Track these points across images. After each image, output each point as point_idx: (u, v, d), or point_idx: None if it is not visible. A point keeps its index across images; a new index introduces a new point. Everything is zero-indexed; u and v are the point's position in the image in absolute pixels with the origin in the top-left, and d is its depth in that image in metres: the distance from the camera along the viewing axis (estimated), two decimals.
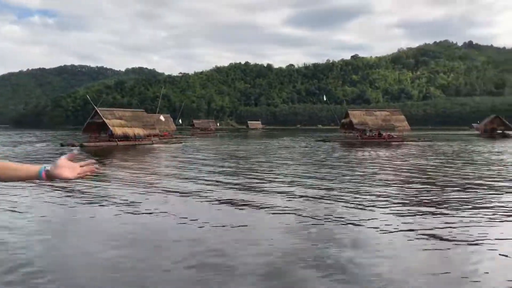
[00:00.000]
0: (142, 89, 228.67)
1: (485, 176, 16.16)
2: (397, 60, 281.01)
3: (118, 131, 38.72)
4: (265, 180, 15.02)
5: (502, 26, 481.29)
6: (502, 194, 12.14)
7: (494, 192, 12.34)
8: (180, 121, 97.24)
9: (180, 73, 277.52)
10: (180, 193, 12.08)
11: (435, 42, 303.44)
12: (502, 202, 10.74)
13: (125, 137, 39.16)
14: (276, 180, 15.11)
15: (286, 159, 24.25)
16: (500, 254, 6.51)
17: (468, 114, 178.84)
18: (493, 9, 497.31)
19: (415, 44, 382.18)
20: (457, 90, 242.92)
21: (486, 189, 12.99)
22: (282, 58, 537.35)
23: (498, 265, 6.27)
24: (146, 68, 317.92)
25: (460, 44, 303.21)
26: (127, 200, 10.87)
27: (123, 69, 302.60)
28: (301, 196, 11.48)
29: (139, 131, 40.76)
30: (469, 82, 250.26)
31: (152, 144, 41.02)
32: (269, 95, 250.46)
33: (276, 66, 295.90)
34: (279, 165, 20.41)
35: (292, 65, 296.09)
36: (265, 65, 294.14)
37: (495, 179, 15.37)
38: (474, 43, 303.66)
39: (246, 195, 11.84)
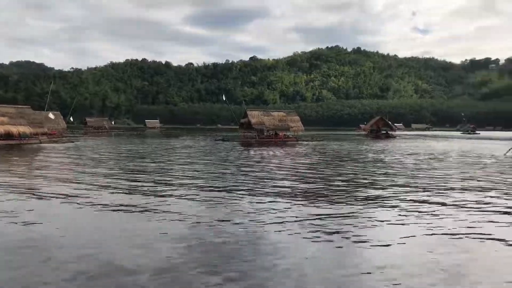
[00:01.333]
0: (28, 84, 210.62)
1: (368, 173, 17.39)
2: (292, 63, 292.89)
3: (0, 129, 35.36)
4: (161, 182, 14.62)
5: (387, 35, 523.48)
6: (380, 188, 13.12)
7: (376, 187, 13.30)
8: (71, 119, 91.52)
9: (72, 68, 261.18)
10: (67, 197, 11.21)
11: (327, 47, 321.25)
12: (380, 194, 11.61)
13: (8, 136, 35.85)
14: (174, 182, 14.76)
15: (185, 158, 23.89)
16: (382, 245, 7.00)
17: (356, 115, 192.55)
18: (380, 18, 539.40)
19: (309, 48, 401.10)
20: (346, 93, 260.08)
21: (368, 184, 13.97)
22: (181, 57, 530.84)
23: (377, 251, 6.80)
24: (34, 62, 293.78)
25: (349, 49, 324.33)
26: (5, 209, 9.85)
27: (6, 62, 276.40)
28: (200, 197, 11.33)
29: (24, 129, 37.51)
30: (357, 85, 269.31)
31: (40, 143, 38.03)
32: (167, 93, 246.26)
33: (175, 64, 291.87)
34: (176, 166, 20.02)
35: (191, 63, 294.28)
36: (164, 62, 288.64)
37: (376, 174, 16.61)
38: (362, 49, 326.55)
39: (140, 198, 11.39)
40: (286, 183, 14.41)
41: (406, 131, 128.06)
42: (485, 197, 11.82)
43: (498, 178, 16.29)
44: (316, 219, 8.84)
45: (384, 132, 73.79)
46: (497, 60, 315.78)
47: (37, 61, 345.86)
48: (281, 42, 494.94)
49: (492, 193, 12.48)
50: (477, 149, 36.36)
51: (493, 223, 8.69)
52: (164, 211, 9.55)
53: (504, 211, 9.85)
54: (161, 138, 57.82)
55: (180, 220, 8.73)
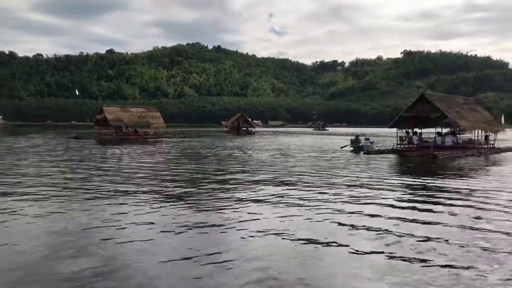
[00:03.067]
0: None
1: (226, 169, 17.36)
2: (153, 58, 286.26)
3: None
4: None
5: (246, 35, 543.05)
6: (244, 184, 13.08)
7: (237, 183, 13.22)
8: None
9: None
10: None
11: (188, 44, 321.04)
12: (246, 191, 11.52)
13: None
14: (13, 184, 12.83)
15: (32, 157, 21.24)
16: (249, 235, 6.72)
17: (218, 112, 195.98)
18: (239, 18, 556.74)
19: (170, 44, 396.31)
20: (208, 90, 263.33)
21: (232, 180, 13.85)
22: (28, 47, 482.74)
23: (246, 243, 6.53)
24: None
25: (210, 47, 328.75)
26: None
27: None
28: (45, 196, 9.91)
29: None
30: (218, 83, 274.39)
31: None
32: (12, 86, 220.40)
33: (21, 54, 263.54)
34: (24, 168, 17.63)
35: (40, 54, 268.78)
36: (7, 52, 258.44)
37: (237, 170, 16.66)
38: (222, 47, 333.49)
39: None
40: (141, 183, 13.54)
41: (264, 127, 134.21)
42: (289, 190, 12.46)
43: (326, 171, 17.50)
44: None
45: (245, 128, 76.02)
46: (342, 63, 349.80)
47: None
48: (140, 36, 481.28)
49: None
50: (324, 144, 39.26)
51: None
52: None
53: (298, 203, 10.40)
54: (6, 136, 51.33)
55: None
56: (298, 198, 10.78)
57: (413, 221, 8.33)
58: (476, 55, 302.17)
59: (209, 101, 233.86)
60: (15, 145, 32.98)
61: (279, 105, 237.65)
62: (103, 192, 11.52)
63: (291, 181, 14.12)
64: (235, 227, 7.78)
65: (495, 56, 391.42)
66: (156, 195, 11.16)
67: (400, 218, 8.49)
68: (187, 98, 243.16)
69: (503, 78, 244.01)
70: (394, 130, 29.65)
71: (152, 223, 8.05)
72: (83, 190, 11.92)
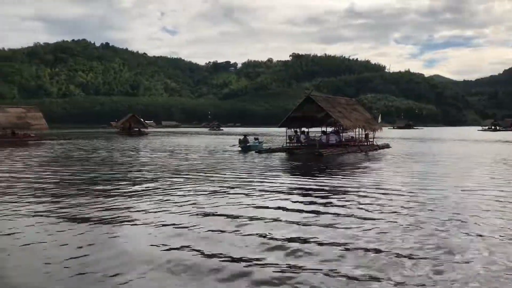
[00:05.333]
0: None
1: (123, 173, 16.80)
2: (34, 54, 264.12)
3: None
4: None
5: (136, 32, 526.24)
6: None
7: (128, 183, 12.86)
8: None
9: None
10: None
11: (73, 40, 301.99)
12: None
13: None
14: None
15: None
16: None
17: (107, 112, 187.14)
18: (129, 15, 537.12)
19: (53, 39, 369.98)
20: (96, 89, 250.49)
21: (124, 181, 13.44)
22: None
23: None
24: None
25: (98, 44, 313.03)
26: None
27: None
28: None
29: None
30: (107, 82, 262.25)
31: None
32: None
33: None
34: None
35: None
36: None
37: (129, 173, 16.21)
38: (110, 44, 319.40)
39: None
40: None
41: (158, 128, 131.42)
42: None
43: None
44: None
45: (137, 129, 73.80)
46: (235, 64, 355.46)
47: None
48: (18, 30, 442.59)
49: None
50: (217, 144, 39.68)
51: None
52: None
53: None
54: None
55: None
56: (171, 198, 10.82)
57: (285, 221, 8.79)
58: (357, 59, 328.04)
59: (97, 100, 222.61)
60: None
61: (173, 105, 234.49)
62: None
63: (178, 182, 14.09)
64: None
65: (373, 60, 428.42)
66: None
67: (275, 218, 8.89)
68: (73, 97, 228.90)
69: (381, 81, 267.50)
70: (284, 129, 30.96)
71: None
72: None
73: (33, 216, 8.83)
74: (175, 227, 7.84)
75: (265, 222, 8.28)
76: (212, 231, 7.55)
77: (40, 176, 15.79)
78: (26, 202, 10.33)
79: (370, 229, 7.61)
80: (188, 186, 13.00)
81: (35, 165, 19.75)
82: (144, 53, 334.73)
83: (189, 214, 8.93)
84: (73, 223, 8.18)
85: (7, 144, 36.78)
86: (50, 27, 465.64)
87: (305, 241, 6.92)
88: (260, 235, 7.21)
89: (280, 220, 8.35)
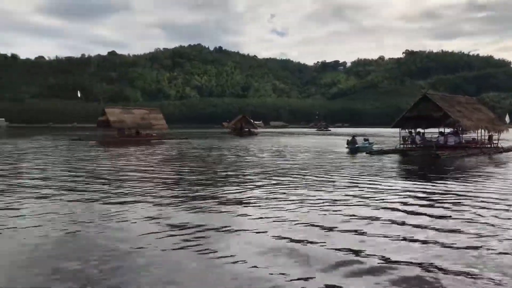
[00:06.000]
0: None
1: (231, 170, 17.40)
2: (155, 60, 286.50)
3: None
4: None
5: (248, 36, 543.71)
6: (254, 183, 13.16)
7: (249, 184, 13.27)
8: None
9: None
10: None
11: (190, 45, 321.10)
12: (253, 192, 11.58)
13: None
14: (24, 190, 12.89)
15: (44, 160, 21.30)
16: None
17: (220, 113, 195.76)
18: (242, 19, 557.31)
19: (172, 45, 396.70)
20: (210, 92, 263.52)
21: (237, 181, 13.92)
22: (31, 49, 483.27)
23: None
24: None
25: (211, 48, 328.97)
26: None
27: None
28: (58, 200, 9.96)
29: None
30: (220, 84, 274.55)
31: None
32: (14, 89, 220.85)
33: (23, 57, 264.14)
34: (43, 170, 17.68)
35: (42, 57, 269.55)
36: (10, 54, 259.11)
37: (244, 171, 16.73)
38: (223, 48, 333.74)
39: None
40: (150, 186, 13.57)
41: (266, 128, 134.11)
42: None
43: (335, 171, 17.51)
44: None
45: (247, 130, 76.07)
46: (344, 63, 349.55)
47: None
48: (142, 37, 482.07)
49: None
50: (327, 144, 39.22)
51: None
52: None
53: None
54: (12, 138, 51.44)
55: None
56: (288, 199, 10.83)
57: (410, 224, 8.35)
58: (478, 54, 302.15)
59: (210, 102, 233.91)
60: (20, 147, 33.10)
61: (281, 106, 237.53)
62: (105, 194, 11.58)
63: (284, 181, 14.18)
64: (232, 228, 7.83)
65: (497, 56, 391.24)
66: (153, 197, 11.19)
67: (394, 220, 8.50)
68: (189, 99, 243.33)
69: (505, 77, 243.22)
70: (397, 130, 29.63)
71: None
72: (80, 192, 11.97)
73: (154, 205, 9.54)
74: (287, 221, 7.94)
75: (381, 223, 8.06)
76: (324, 228, 7.48)
77: (162, 171, 16.98)
78: (151, 195, 11.16)
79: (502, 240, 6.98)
80: (297, 187, 13.03)
81: (158, 162, 21.29)
82: (255, 56, 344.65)
83: (302, 214, 8.94)
84: (194, 213, 8.65)
85: (133, 143, 40.27)
86: (170, 33, 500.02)
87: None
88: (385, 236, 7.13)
89: (397, 223, 8.12)
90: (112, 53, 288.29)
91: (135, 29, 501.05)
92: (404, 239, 7.05)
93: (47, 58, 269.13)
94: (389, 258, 6.07)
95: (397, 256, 6.16)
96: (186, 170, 17.74)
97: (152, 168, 18.27)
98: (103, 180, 14.42)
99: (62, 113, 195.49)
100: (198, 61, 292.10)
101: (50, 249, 6.62)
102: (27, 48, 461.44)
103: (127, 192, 11.84)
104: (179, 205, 9.93)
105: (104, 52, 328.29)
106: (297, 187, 12.79)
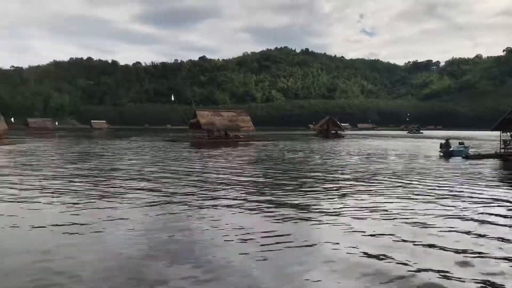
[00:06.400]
0: None
1: (323, 170, 17.39)
2: (242, 63, 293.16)
3: None
4: (116, 186, 13.88)
5: (335, 37, 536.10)
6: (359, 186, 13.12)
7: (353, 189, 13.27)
8: (12, 119, 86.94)
9: (12, 66, 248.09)
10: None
11: (276, 48, 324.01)
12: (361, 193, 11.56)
13: None
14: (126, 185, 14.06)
15: (138, 159, 23.01)
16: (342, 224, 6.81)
17: (306, 115, 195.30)
18: (328, 20, 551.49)
19: (258, 48, 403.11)
20: (296, 93, 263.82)
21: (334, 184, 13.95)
22: (129, 55, 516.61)
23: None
24: None
25: (298, 51, 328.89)
26: None
27: None
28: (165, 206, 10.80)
29: None
30: (305, 86, 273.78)
31: None
32: (115, 93, 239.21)
33: (122, 63, 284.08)
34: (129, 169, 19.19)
35: (139, 63, 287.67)
36: (110, 61, 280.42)
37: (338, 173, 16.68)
38: (310, 50, 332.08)
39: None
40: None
41: (353, 130, 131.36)
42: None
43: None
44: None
45: (334, 132, 75.26)
46: (437, 62, 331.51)
47: None
48: (231, 42, 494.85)
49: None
50: (420, 148, 37.59)
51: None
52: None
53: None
54: (111, 139, 55.80)
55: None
56: (379, 209, 10.58)
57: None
58: None
59: (297, 104, 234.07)
60: (124, 146, 35.80)
61: (369, 107, 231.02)
62: (203, 196, 12.19)
63: (374, 189, 13.89)
64: (323, 241, 7.83)
65: None
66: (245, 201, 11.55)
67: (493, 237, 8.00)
68: (275, 101, 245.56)
69: None
70: (497, 133, 27.68)
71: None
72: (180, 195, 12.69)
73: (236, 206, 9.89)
74: (376, 235, 7.83)
75: (471, 237, 7.67)
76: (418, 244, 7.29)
77: (250, 174, 17.47)
78: (239, 194, 11.58)
79: None
80: (387, 195, 12.73)
81: (245, 164, 21.89)
82: (342, 57, 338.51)
83: (392, 223, 8.78)
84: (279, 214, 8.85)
85: (222, 144, 41.70)
86: (257, 37, 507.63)
87: None
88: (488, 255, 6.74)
89: (502, 239, 7.58)
90: (202, 58, 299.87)
91: (224, 34, 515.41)
92: (506, 259, 6.46)
93: (143, 64, 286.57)
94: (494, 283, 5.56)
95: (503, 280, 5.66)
96: (273, 173, 18.05)
97: (239, 171, 18.82)
98: (195, 181, 15.12)
99: (157, 116, 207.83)
100: (285, 63, 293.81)
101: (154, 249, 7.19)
102: (126, 55, 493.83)
103: (217, 195, 12.14)
104: (267, 213, 9.99)
105: (195, 57, 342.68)
106: (388, 195, 12.47)
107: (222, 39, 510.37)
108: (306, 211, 9.82)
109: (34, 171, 17.78)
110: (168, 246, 7.11)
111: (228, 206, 10.48)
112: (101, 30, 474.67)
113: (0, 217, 9.18)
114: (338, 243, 7.23)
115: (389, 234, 7.73)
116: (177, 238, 7.57)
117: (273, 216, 9.29)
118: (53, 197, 11.55)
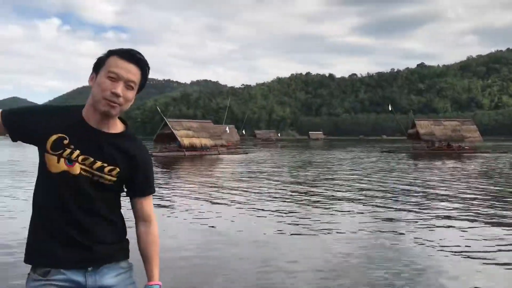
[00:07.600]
0: (206, 101, 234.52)
1: None
2: (466, 68, 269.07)
3: (186, 141, 39.89)
4: (340, 190, 14.97)
5: None
6: None
7: None
8: (243, 131, 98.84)
9: (243, 84, 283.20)
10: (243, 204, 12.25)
11: (508, 49, 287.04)
12: None
13: (192, 147, 40.24)
14: (345, 196, 15.00)
15: (355, 169, 23.94)
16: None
17: None
18: None
19: (486, 51, 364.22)
20: None
21: None
22: (344, 68, 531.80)
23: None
24: (210, 81, 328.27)
25: None
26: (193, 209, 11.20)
27: (188, 82, 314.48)
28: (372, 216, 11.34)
29: (205, 141, 41.76)
30: None
31: (219, 154, 41.72)
32: (330, 105, 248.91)
33: (338, 76, 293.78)
34: (350, 176, 20.20)
35: (354, 74, 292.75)
36: (327, 75, 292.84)
37: None
38: None
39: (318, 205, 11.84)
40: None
41: None
42: None
43: None
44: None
45: None
46: None
47: (213, 79, 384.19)
48: (452, 46, 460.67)
49: None
50: None
51: None
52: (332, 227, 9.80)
53: None
54: (328, 149, 58.55)
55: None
56: None
57: None
58: None
59: None
60: (339, 156, 37.43)
61: None
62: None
63: None
64: None
65: None
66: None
67: None
68: (506, 108, 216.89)
69: None
70: None
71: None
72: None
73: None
74: None
75: None
76: None
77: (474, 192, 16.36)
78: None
79: None
80: None
81: (462, 177, 20.18)
82: None
83: None
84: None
85: (443, 156, 39.35)
86: (484, 38, 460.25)
87: None
88: None
89: None
90: (421, 65, 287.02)
91: (446, 39, 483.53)
92: None
93: (359, 75, 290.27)
94: None
95: None
96: (496, 193, 16.39)
97: (462, 187, 17.72)
98: (409, 195, 14.76)
99: (372, 126, 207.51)
100: None
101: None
102: (342, 67, 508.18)
103: (432, 214, 11.58)
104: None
105: (412, 64, 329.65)
106: None
107: (443, 44, 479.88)
108: None
109: (263, 179, 20.21)
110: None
111: (442, 226, 10.22)
112: (319, 45, 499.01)
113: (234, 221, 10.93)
114: None
115: None
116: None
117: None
118: (273, 202, 13.13)
